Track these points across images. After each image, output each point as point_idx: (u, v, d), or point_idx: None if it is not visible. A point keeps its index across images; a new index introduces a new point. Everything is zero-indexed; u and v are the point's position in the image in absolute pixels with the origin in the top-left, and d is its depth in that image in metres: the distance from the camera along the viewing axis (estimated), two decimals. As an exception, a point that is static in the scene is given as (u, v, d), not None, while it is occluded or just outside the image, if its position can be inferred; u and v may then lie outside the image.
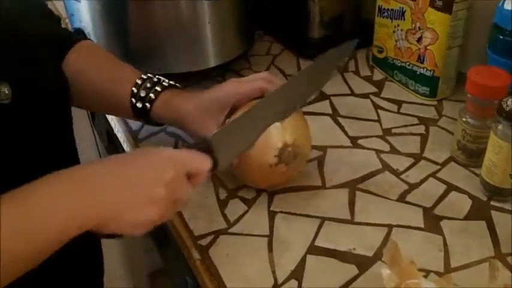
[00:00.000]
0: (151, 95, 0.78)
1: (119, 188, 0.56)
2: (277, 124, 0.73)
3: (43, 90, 0.66)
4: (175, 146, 0.89)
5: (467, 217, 0.75)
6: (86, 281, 0.78)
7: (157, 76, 0.81)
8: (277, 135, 0.73)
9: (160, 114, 0.79)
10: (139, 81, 0.79)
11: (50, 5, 1.27)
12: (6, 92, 0.58)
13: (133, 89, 0.79)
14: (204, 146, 0.64)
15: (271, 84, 0.77)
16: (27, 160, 0.61)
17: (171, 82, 0.81)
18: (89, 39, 0.85)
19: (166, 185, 0.58)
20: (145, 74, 0.81)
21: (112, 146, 1.11)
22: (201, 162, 0.63)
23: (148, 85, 0.79)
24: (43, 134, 0.65)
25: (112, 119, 0.99)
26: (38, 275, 0.64)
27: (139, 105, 0.79)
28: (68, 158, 0.73)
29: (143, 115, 0.80)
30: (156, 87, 0.79)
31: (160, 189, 0.57)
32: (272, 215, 0.76)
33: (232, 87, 0.77)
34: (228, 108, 0.76)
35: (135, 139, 0.92)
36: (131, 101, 0.79)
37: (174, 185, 0.59)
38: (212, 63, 1.01)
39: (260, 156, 0.73)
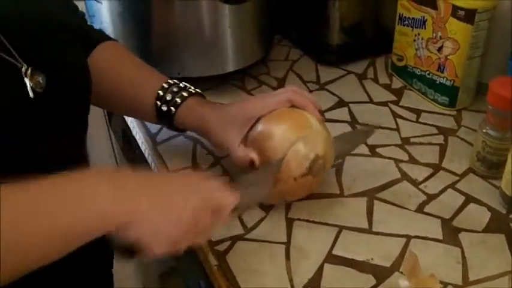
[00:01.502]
0: (177, 99, 0.79)
1: (155, 199, 0.57)
2: (307, 136, 0.73)
3: (72, 82, 0.67)
4: (194, 150, 0.89)
5: (486, 230, 0.74)
6: (95, 277, 0.79)
7: (183, 82, 0.82)
8: (309, 147, 0.73)
9: (183, 119, 0.79)
10: (165, 85, 0.80)
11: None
12: (41, 81, 0.60)
13: (160, 92, 0.80)
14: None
15: (299, 95, 0.77)
16: (42, 149, 0.62)
17: (197, 90, 0.82)
18: (115, 40, 0.86)
19: (194, 210, 0.58)
20: (171, 79, 0.81)
21: (127, 146, 1.11)
22: (229, 199, 0.63)
23: (174, 89, 0.80)
24: (64, 125, 0.66)
25: (131, 121, 0.99)
26: (45, 273, 0.65)
27: (164, 108, 0.79)
28: (77, 154, 0.73)
29: (166, 119, 0.80)
30: (183, 93, 0.80)
31: (188, 213, 0.58)
32: (290, 222, 0.76)
33: (258, 102, 0.78)
34: (252, 121, 0.76)
35: (154, 142, 0.92)
36: (156, 103, 0.80)
37: (200, 214, 0.59)
38: (231, 67, 1.01)
39: (290, 169, 0.73)
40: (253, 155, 0.74)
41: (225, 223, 0.65)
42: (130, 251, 0.57)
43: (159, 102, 0.80)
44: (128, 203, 0.54)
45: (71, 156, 0.69)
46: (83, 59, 0.73)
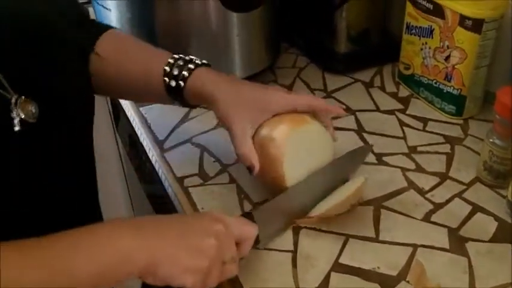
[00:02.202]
0: (185, 72, 0.77)
1: (171, 234, 0.57)
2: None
3: (69, 106, 0.66)
4: (201, 157, 0.90)
5: (493, 239, 0.74)
6: None
7: (189, 56, 0.80)
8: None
9: (194, 92, 0.77)
10: (171, 60, 0.78)
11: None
12: (34, 111, 0.58)
13: (166, 68, 0.78)
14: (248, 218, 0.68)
15: (319, 101, 0.79)
16: (46, 172, 0.62)
17: (203, 61, 0.80)
18: (115, 28, 0.85)
19: (215, 236, 0.59)
20: (176, 54, 0.80)
21: (134, 152, 1.12)
22: (249, 228, 0.65)
23: (180, 63, 0.78)
24: (65, 148, 0.65)
25: (138, 127, 1.00)
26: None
27: (173, 83, 0.77)
28: (86, 168, 0.73)
29: (177, 94, 0.78)
30: (189, 65, 0.78)
31: (210, 238, 0.58)
32: (296, 231, 0.76)
33: (284, 98, 0.77)
34: (269, 116, 0.76)
35: (161, 148, 0.93)
36: (164, 80, 0.78)
37: (222, 239, 0.60)
38: (238, 74, 1.01)
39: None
40: (256, 162, 0.75)
41: (246, 254, 0.66)
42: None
43: (167, 79, 0.78)
44: (145, 246, 0.55)
45: (79, 169, 0.69)
46: (83, 77, 0.71)
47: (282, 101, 0.77)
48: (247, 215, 0.69)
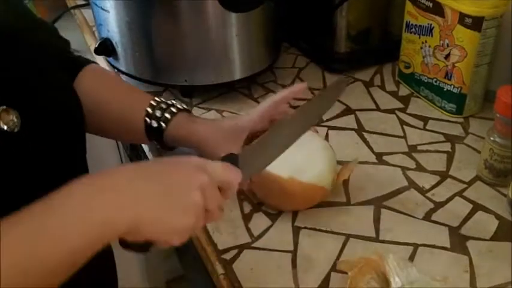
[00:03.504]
0: (167, 114, 0.79)
1: (153, 192, 0.54)
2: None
3: (54, 116, 0.65)
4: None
5: (494, 238, 0.74)
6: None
7: (170, 100, 0.82)
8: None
9: (175, 134, 0.80)
10: (153, 103, 0.80)
11: (78, 13, 1.30)
12: (15, 120, 0.57)
13: (148, 109, 0.80)
14: (231, 162, 0.63)
15: (280, 94, 0.80)
16: (36, 183, 0.60)
17: (184, 106, 0.82)
18: (95, 62, 0.85)
19: (200, 189, 0.56)
20: (158, 97, 0.82)
21: (134, 154, 1.12)
22: (233, 174, 0.61)
23: (163, 106, 0.80)
24: (54, 157, 0.64)
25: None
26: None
27: (154, 124, 0.79)
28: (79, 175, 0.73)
29: (157, 135, 0.80)
30: (171, 109, 0.80)
31: (195, 193, 0.55)
32: (296, 231, 0.76)
33: (250, 115, 0.80)
34: (244, 134, 0.78)
35: (160, 150, 0.92)
36: (145, 120, 0.80)
37: (207, 191, 0.56)
38: (238, 75, 1.01)
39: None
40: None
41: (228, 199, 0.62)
42: (146, 245, 0.56)
43: (148, 120, 0.80)
44: (126, 207, 0.52)
45: (69, 178, 0.68)
46: (66, 86, 0.71)
47: (250, 117, 0.79)
48: (231, 157, 0.64)
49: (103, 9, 0.99)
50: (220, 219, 0.61)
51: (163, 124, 0.79)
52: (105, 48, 1.03)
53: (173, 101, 0.82)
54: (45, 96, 0.65)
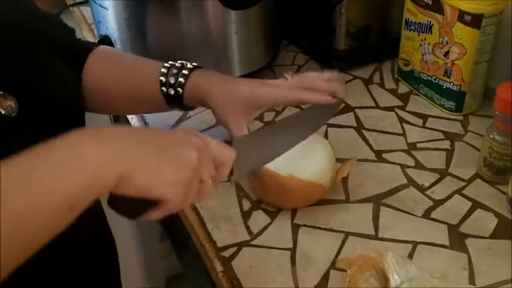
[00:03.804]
0: (181, 79, 0.78)
1: (149, 145, 0.53)
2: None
3: (51, 101, 0.65)
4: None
5: (493, 236, 0.74)
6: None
7: (178, 61, 0.81)
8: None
9: (191, 97, 0.79)
10: (164, 70, 0.79)
11: (77, 11, 1.29)
12: (13, 106, 0.58)
13: (162, 78, 0.79)
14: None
15: (305, 96, 0.76)
16: None
17: (194, 64, 0.81)
18: (99, 44, 0.85)
19: (196, 148, 0.54)
20: (166, 62, 0.80)
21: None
22: (228, 152, 0.60)
23: (174, 71, 0.79)
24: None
25: (134, 123, 0.99)
26: (54, 282, 0.65)
27: (171, 91, 0.79)
28: None
29: (177, 101, 0.80)
30: (183, 71, 0.79)
31: (192, 150, 0.54)
32: (295, 228, 0.76)
33: (272, 94, 0.77)
34: (258, 109, 0.78)
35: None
36: (162, 90, 0.79)
37: (202, 155, 0.55)
38: (237, 72, 1.01)
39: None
40: None
41: (221, 180, 0.61)
42: (136, 207, 0.53)
43: (164, 88, 0.79)
44: (121, 155, 0.50)
45: None
46: (66, 73, 0.71)
47: (270, 98, 0.77)
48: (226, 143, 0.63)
49: (102, 6, 0.99)
50: (210, 196, 0.59)
51: (179, 90, 0.78)
52: (104, 45, 1.02)
53: (182, 62, 0.81)
54: (42, 83, 0.65)
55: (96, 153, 0.49)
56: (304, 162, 0.75)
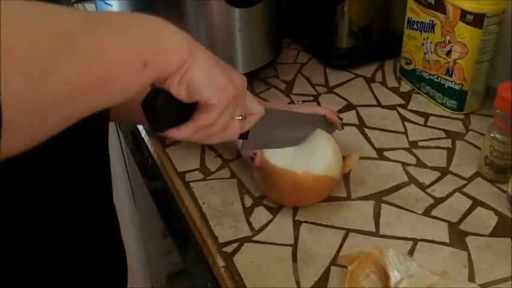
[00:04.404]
0: None
1: (207, 52, 0.55)
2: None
3: None
4: (202, 153, 0.90)
5: (493, 234, 0.75)
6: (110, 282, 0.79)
7: None
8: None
9: None
10: None
11: (81, 8, 1.30)
12: None
13: None
14: None
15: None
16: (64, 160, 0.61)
17: None
18: None
19: (241, 79, 0.59)
20: None
21: (136, 148, 1.12)
22: (259, 106, 0.65)
23: None
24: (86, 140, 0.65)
25: (139, 123, 1.00)
26: (63, 278, 0.65)
27: None
28: (102, 156, 0.74)
29: None
30: None
31: (240, 75, 0.59)
32: (297, 225, 0.76)
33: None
34: None
35: (163, 144, 0.93)
36: None
37: (241, 93, 0.59)
38: (240, 70, 1.01)
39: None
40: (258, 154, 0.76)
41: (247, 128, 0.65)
42: (175, 111, 0.55)
43: None
44: (190, 44, 0.53)
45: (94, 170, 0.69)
46: None
47: None
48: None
49: (106, 3, 0.99)
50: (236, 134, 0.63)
51: None
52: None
53: None
54: None
55: (170, 34, 0.51)
56: (314, 157, 0.76)
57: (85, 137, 0.64)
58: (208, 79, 0.54)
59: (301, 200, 0.78)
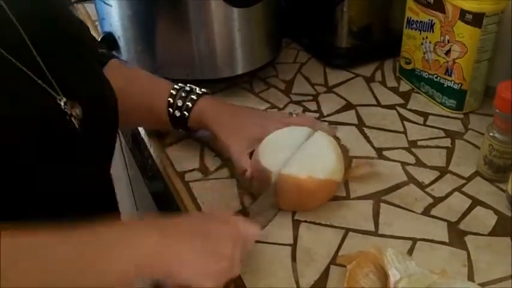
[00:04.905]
0: (188, 103, 0.82)
1: (194, 240, 0.58)
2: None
3: (105, 113, 0.68)
4: (201, 152, 0.90)
5: (492, 233, 0.75)
6: None
7: (188, 85, 0.84)
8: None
9: (197, 121, 0.83)
10: (173, 92, 0.83)
11: (81, 8, 1.30)
12: (78, 114, 0.60)
13: (170, 99, 0.83)
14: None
15: (312, 124, 0.82)
16: (74, 176, 0.62)
17: (203, 90, 0.84)
18: (116, 57, 0.87)
19: (232, 240, 0.60)
20: (176, 84, 0.84)
21: (136, 148, 1.12)
22: (253, 229, 0.66)
23: (183, 94, 0.82)
24: (96, 154, 0.67)
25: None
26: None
27: (177, 114, 0.82)
28: (108, 163, 0.75)
29: (181, 124, 0.84)
30: (192, 96, 0.82)
31: (227, 243, 0.59)
32: (296, 224, 0.76)
33: (280, 126, 0.81)
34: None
35: (162, 144, 0.93)
36: (169, 111, 0.83)
37: (236, 241, 0.61)
38: (240, 70, 1.01)
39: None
40: (249, 171, 0.78)
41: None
42: None
43: (171, 109, 0.83)
44: (174, 248, 0.55)
45: (98, 178, 0.70)
46: (111, 86, 0.74)
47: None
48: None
49: (105, 3, 0.99)
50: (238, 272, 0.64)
51: (186, 113, 0.82)
52: (108, 42, 1.03)
53: (191, 86, 0.84)
54: (100, 91, 0.69)
55: (159, 243, 0.54)
56: (318, 161, 0.76)
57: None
58: (197, 271, 0.57)
59: (303, 205, 0.78)
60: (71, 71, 0.64)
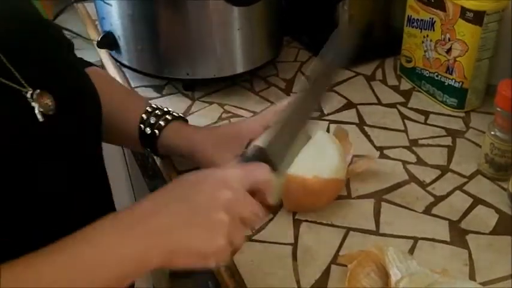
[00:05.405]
0: (161, 122, 0.79)
1: (175, 222, 0.54)
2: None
3: (81, 98, 0.66)
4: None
5: (494, 232, 0.74)
6: None
7: (166, 107, 0.82)
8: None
9: (169, 141, 0.80)
10: (149, 109, 0.81)
11: (81, 7, 1.30)
12: (50, 104, 0.58)
13: (143, 115, 0.80)
14: (258, 156, 0.59)
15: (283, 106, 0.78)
16: (61, 171, 0.61)
17: (180, 114, 0.83)
18: (97, 66, 0.86)
19: (224, 207, 0.54)
20: (155, 104, 0.82)
21: (138, 152, 1.12)
22: (260, 172, 0.57)
23: (158, 113, 0.80)
24: (83, 139, 0.65)
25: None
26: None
27: (148, 131, 0.80)
28: (99, 159, 0.74)
29: (150, 142, 0.80)
30: (167, 116, 0.80)
31: (218, 213, 0.54)
32: (297, 224, 0.76)
33: (252, 121, 0.79)
34: (245, 143, 0.75)
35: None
36: (140, 127, 0.80)
37: (234, 204, 0.55)
38: (240, 69, 1.01)
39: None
40: None
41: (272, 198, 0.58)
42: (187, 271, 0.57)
43: (142, 126, 0.80)
44: (157, 243, 0.53)
45: (90, 171, 0.69)
46: (87, 77, 0.72)
47: (252, 125, 0.77)
48: (258, 151, 0.59)
49: (106, 2, 0.99)
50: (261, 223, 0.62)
51: (156, 131, 0.79)
52: (108, 41, 1.03)
53: (169, 109, 0.82)
54: (77, 81, 0.67)
55: (135, 244, 0.52)
56: (321, 161, 0.76)
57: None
58: (194, 256, 0.54)
59: (310, 205, 0.78)
60: (36, 61, 0.62)
